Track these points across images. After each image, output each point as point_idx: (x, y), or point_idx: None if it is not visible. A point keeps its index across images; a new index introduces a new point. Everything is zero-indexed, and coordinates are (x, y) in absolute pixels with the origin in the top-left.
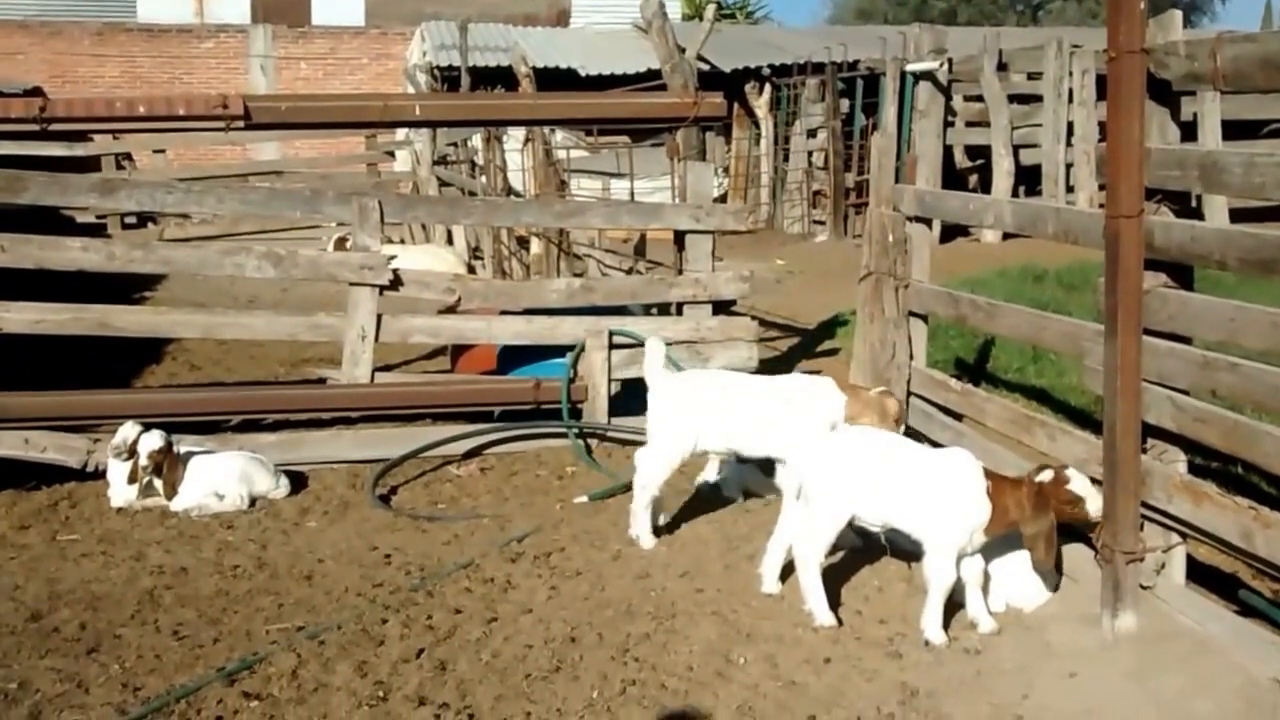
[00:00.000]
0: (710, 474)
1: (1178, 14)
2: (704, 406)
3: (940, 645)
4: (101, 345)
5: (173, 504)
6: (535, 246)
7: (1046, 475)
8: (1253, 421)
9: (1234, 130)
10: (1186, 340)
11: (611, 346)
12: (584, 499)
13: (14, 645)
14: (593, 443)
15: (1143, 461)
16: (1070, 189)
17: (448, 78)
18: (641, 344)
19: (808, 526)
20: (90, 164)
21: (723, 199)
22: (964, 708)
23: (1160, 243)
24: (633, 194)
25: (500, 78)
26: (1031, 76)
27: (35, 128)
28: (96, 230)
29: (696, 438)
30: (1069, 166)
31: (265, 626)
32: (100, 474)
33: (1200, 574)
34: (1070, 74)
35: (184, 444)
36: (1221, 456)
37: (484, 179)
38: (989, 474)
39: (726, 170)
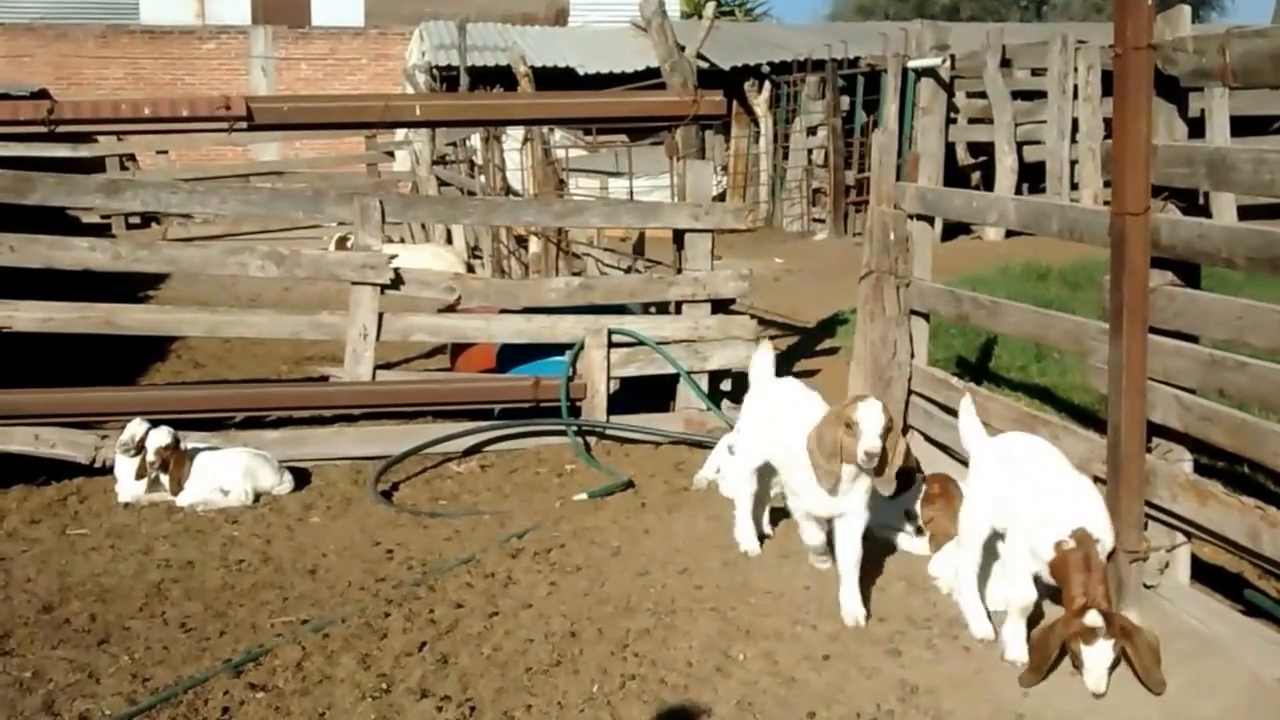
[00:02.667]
0: (709, 471)
1: (1186, 9)
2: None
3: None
4: (107, 343)
5: (179, 499)
6: (534, 245)
7: (1093, 618)
8: (1260, 421)
9: (1242, 126)
10: (1193, 339)
11: (610, 345)
12: (583, 496)
13: (27, 636)
14: (591, 440)
15: (1147, 460)
16: (1075, 186)
17: (446, 77)
18: (640, 343)
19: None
20: (95, 165)
21: (722, 197)
22: (964, 706)
23: (1167, 240)
24: (631, 193)
25: (499, 77)
26: (1035, 72)
27: (43, 129)
28: (101, 230)
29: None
30: (1073, 163)
31: (270, 620)
32: (108, 469)
33: (1205, 574)
34: (1075, 70)
35: (189, 440)
36: (1228, 456)
37: (483, 178)
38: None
39: (725, 168)
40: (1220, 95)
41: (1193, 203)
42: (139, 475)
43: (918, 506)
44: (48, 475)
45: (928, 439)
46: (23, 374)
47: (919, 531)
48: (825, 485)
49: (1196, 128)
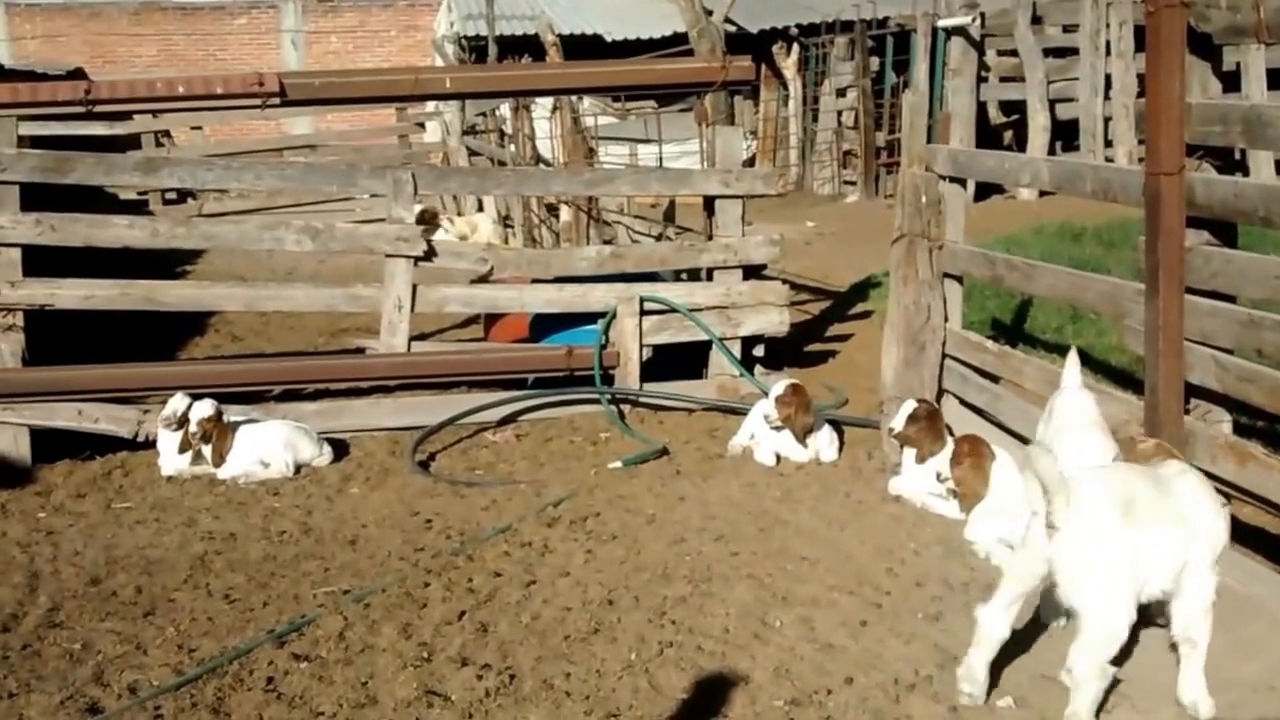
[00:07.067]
0: (743, 437)
1: None
2: None
3: None
4: (147, 318)
5: (220, 472)
6: (565, 214)
7: None
8: None
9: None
10: (1230, 298)
11: (643, 313)
12: (618, 464)
13: (76, 609)
14: (625, 408)
15: (1186, 422)
16: (1109, 143)
17: (475, 47)
18: (673, 310)
19: None
20: (131, 142)
21: (751, 162)
22: (1006, 672)
23: (1202, 200)
24: (661, 159)
25: (527, 45)
26: (1067, 29)
27: (81, 109)
28: (138, 206)
29: None
30: (1107, 120)
31: (312, 590)
32: (150, 444)
33: (1245, 535)
34: (1107, 25)
35: (229, 413)
36: (1267, 416)
37: (513, 148)
38: None
39: (755, 133)
40: (1256, 48)
41: (1229, 160)
42: (182, 449)
43: (947, 468)
44: (92, 450)
45: (962, 402)
46: (65, 351)
47: (950, 494)
48: None
49: (1232, 81)
